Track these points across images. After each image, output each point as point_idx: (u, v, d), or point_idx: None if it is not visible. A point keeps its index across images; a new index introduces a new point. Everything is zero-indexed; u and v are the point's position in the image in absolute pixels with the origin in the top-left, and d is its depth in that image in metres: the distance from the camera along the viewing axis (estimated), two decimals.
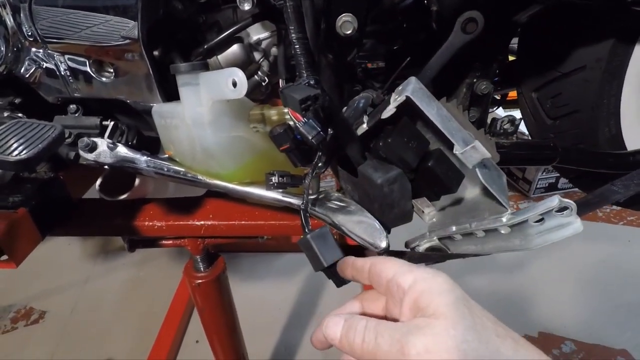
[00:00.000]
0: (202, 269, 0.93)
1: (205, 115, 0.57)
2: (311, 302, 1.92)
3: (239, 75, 0.50)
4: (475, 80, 0.80)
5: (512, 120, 0.82)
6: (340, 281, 0.56)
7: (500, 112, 1.95)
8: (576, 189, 2.00)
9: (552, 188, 2.57)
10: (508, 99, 1.18)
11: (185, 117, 0.59)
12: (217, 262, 0.96)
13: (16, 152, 0.50)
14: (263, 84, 0.76)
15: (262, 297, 1.94)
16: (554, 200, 0.51)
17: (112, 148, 0.67)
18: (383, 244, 0.53)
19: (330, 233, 0.54)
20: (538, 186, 2.54)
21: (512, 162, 0.84)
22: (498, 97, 1.17)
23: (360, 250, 0.77)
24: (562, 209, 0.52)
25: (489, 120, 0.90)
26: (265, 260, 2.15)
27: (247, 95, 0.70)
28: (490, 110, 0.93)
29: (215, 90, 0.54)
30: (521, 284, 1.95)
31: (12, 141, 0.52)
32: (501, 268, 2.03)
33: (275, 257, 2.16)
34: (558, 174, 2.44)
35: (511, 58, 1.02)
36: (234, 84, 0.50)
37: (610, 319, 1.78)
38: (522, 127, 0.99)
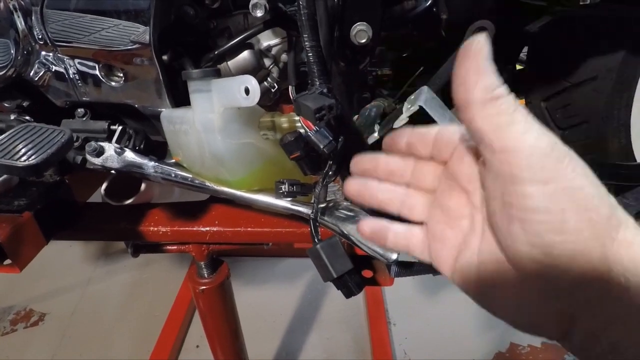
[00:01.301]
0: (206, 275, 0.92)
1: (216, 121, 0.57)
2: (313, 307, 1.91)
3: (252, 83, 0.49)
4: None
5: None
6: (349, 292, 0.55)
7: None
8: None
9: None
10: None
11: (195, 123, 0.59)
12: (221, 268, 0.95)
13: (25, 158, 0.49)
14: (272, 90, 0.76)
15: (263, 301, 1.93)
16: None
17: (119, 153, 0.67)
18: (394, 255, 0.52)
19: (340, 243, 0.53)
20: None
21: None
22: None
23: (370, 261, 0.77)
24: None
25: None
26: (266, 265, 2.14)
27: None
28: None
29: (228, 97, 0.53)
30: None
31: (20, 146, 0.51)
32: None
33: (277, 261, 2.15)
34: None
35: (518, 67, 1.02)
36: (247, 92, 0.50)
37: None
38: None
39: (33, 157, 0.49)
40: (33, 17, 0.59)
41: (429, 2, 0.81)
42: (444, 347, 1.70)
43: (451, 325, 1.77)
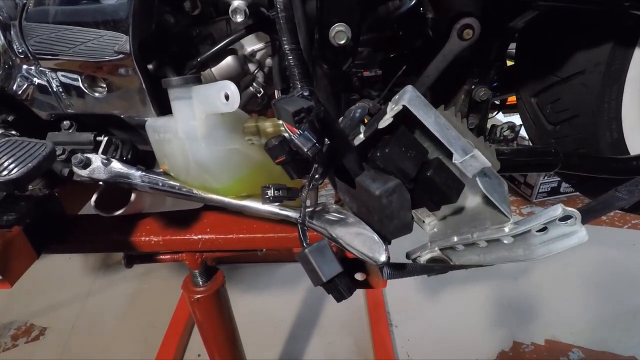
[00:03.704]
0: (200, 283, 0.92)
1: (199, 128, 0.56)
2: (314, 312, 1.90)
3: (231, 88, 0.49)
4: (473, 86, 0.79)
5: (512, 127, 0.81)
6: (340, 295, 0.55)
7: (500, 117, 1.94)
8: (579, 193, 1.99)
9: (554, 192, 2.56)
10: (508, 103, 1.17)
11: (178, 131, 0.58)
12: (215, 276, 0.95)
13: (5, 172, 0.49)
14: (258, 95, 0.76)
15: (263, 308, 1.92)
16: (557, 209, 0.50)
17: (106, 164, 0.66)
18: (382, 258, 0.52)
19: (328, 246, 0.53)
20: (540, 190, 2.53)
21: (513, 169, 0.83)
22: (498, 102, 1.16)
23: (363, 264, 0.76)
24: (565, 217, 0.51)
25: (488, 127, 0.89)
26: (266, 271, 2.13)
27: (243, 106, 0.69)
28: (491, 115, 0.92)
29: (208, 103, 0.53)
30: (526, 290, 1.92)
31: (1, 160, 0.51)
32: (506, 274, 2.01)
33: (276, 267, 2.14)
34: (560, 178, 2.42)
35: (510, 63, 1.01)
36: (227, 97, 0.49)
37: (617, 324, 1.76)
38: (523, 132, 0.98)
39: (14, 171, 0.49)
40: (12, 31, 0.59)
41: (414, 1, 0.81)
42: (447, 347, 1.68)
43: (453, 326, 1.76)
